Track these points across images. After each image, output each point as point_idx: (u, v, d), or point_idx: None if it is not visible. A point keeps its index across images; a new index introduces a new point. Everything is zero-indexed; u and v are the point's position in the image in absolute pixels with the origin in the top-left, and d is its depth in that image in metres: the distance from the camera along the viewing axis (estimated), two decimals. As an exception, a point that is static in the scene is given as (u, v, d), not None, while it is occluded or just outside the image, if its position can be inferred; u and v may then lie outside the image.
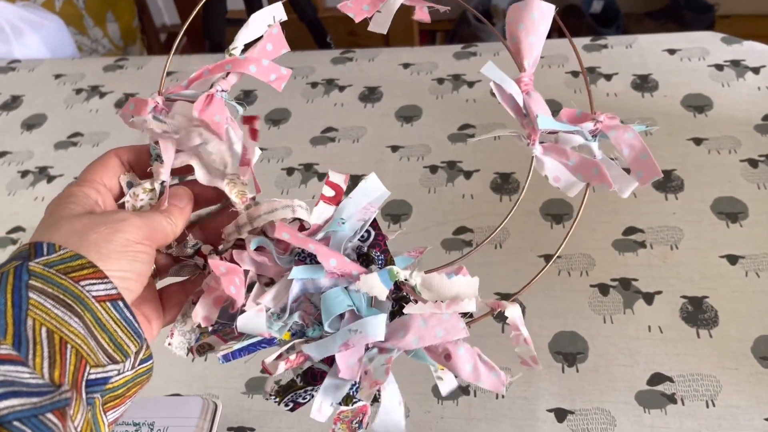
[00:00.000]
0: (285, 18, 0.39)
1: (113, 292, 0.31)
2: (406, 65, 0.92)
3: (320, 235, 0.35)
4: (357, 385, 0.33)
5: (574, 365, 0.57)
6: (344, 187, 0.36)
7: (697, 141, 0.74)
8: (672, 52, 0.85)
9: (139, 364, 0.32)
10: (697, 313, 0.59)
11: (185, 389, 0.60)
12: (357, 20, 0.39)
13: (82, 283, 0.30)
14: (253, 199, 0.37)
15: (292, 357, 0.33)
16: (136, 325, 0.32)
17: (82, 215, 0.33)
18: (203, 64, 1.07)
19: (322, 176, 0.77)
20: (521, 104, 0.36)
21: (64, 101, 0.96)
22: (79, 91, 0.97)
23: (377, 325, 0.31)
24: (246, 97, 0.90)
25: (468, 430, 0.54)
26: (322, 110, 0.87)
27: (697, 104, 0.78)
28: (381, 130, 0.82)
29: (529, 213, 0.69)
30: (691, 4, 1.86)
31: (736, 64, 0.82)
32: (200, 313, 0.35)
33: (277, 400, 0.34)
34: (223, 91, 0.37)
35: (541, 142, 0.35)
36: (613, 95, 0.81)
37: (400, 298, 0.34)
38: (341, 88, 0.90)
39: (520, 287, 0.65)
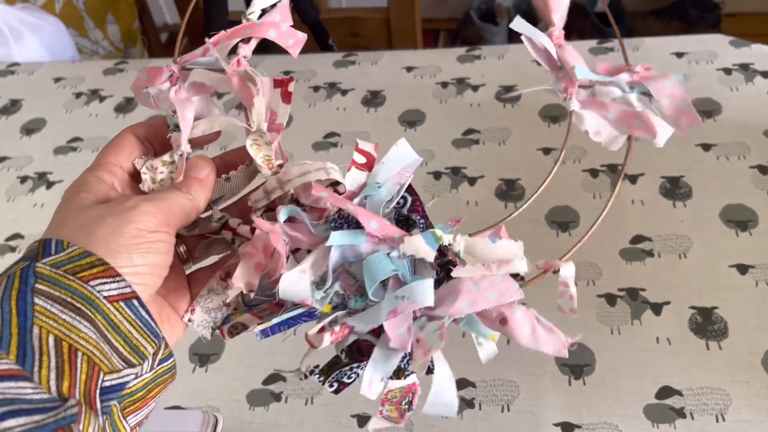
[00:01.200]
0: None
1: (127, 290, 0.29)
2: (409, 68, 0.90)
3: (356, 201, 0.33)
4: (407, 358, 0.31)
5: (581, 378, 0.56)
6: (375, 155, 0.34)
7: (706, 147, 0.72)
8: (680, 55, 0.84)
9: (158, 365, 0.30)
10: (707, 324, 0.58)
11: (185, 401, 0.59)
12: None
13: (92, 282, 0.28)
14: (281, 166, 0.34)
15: (337, 329, 0.30)
16: (153, 324, 0.30)
17: (91, 206, 0.31)
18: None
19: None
20: (555, 57, 0.35)
21: (64, 105, 0.95)
22: (78, 95, 0.96)
23: (425, 290, 0.29)
24: (247, 101, 0.89)
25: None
26: (324, 115, 0.86)
27: (706, 109, 0.77)
28: (384, 135, 0.81)
29: (534, 221, 0.68)
30: (696, 3, 1.84)
31: (744, 67, 0.81)
32: (241, 278, 0.31)
33: (321, 378, 0.31)
34: (244, 56, 0.36)
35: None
36: (620, 99, 0.80)
37: (445, 263, 0.31)
38: (344, 92, 0.88)
39: (525, 296, 0.64)
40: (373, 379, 0.30)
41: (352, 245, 0.31)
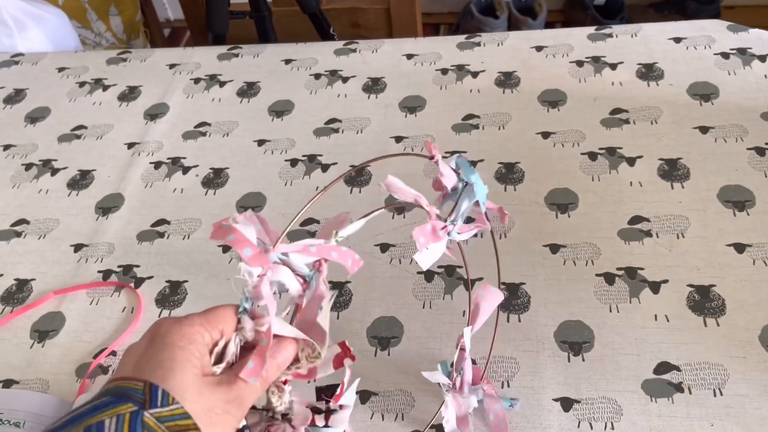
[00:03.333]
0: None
1: None
2: (409, 56, 0.91)
3: None
4: None
5: (580, 354, 0.57)
6: None
7: (704, 129, 0.73)
8: (677, 40, 0.85)
9: None
10: (704, 301, 0.59)
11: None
12: None
13: None
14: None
15: None
16: None
17: (201, 378, 0.36)
18: (206, 56, 1.06)
19: (325, 167, 0.77)
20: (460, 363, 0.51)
21: (68, 94, 0.95)
22: (82, 84, 0.97)
23: None
24: (249, 88, 0.90)
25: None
26: (325, 101, 0.86)
27: (704, 92, 0.77)
28: (385, 121, 0.82)
29: (533, 203, 0.69)
30: (695, -5, 1.85)
31: (742, 52, 0.81)
32: None
33: None
34: (325, 283, 0.42)
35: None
36: (618, 84, 0.81)
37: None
38: (345, 79, 0.89)
39: (525, 276, 0.64)
40: None
41: None
